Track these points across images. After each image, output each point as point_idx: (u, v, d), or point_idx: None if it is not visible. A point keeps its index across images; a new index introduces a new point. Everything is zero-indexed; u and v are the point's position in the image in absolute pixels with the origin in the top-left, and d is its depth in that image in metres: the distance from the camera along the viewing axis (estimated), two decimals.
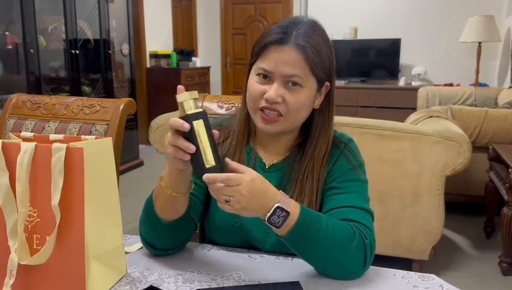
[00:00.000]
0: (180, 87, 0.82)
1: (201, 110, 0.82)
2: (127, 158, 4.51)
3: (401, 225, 2.28)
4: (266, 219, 0.84)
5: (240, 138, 1.06)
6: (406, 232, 2.27)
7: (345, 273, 0.90)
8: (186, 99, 0.81)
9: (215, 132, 0.83)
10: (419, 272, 0.95)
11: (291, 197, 0.94)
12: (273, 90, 0.94)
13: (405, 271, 0.94)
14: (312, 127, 1.03)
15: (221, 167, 0.82)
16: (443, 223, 2.28)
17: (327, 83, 1.00)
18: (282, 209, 0.83)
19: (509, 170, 2.36)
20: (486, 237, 2.95)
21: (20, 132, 1.46)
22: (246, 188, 0.80)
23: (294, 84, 0.95)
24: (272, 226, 0.85)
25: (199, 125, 0.80)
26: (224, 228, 1.05)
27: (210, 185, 0.82)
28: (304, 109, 0.98)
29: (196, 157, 0.81)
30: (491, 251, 2.72)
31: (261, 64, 0.96)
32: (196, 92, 0.82)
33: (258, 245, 1.04)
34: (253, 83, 0.98)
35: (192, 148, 0.79)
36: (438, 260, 2.56)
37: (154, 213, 0.94)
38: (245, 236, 1.04)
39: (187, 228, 0.99)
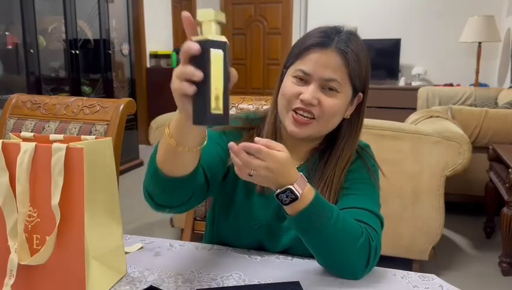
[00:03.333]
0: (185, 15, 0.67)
1: (224, 39, 0.63)
2: (127, 158, 4.51)
3: (401, 225, 2.28)
4: (275, 193, 0.84)
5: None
6: (406, 232, 2.27)
7: (346, 270, 0.90)
8: (208, 19, 0.63)
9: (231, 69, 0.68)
10: (419, 272, 0.96)
11: None
12: (309, 92, 0.93)
13: (405, 271, 0.95)
14: (339, 137, 1.02)
15: (227, 118, 0.65)
16: (443, 223, 2.28)
17: (360, 94, 1.00)
18: (292, 191, 0.82)
19: (509, 170, 2.36)
20: (486, 237, 2.95)
21: (20, 132, 1.46)
22: (271, 167, 0.79)
23: (331, 89, 0.94)
24: (280, 202, 0.85)
25: (217, 58, 0.62)
26: (242, 229, 1.04)
27: (236, 154, 0.78)
28: (338, 114, 0.97)
29: (201, 95, 0.63)
30: (491, 251, 2.72)
31: (300, 66, 0.96)
32: (223, 14, 0.64)
33: (270, 248, 1.04)
34: (289, 83, 0.97)
35: (198, 74, 0.63)
36: (438, 260, 2.56)
37: (154, 162, 0.84)
38: (260, 238, 1.03)
39: (192, 187, 0.89)
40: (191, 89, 0.65)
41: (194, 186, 0.88)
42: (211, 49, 0.62)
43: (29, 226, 0.82)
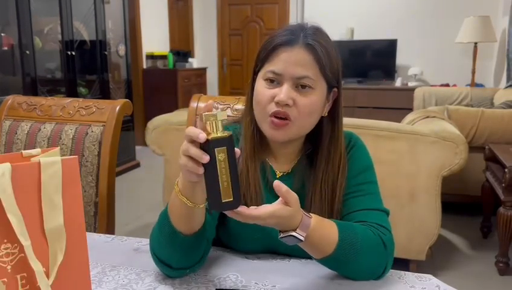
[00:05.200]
0: (210, 103, 0.75)
1: (227, 134, 0.72)
2: (123, 159, 4.50)
3: (398, 225, 2.28)
4: (279, 237, 0.83)
5: (250, 154, 1.00)
6: (402, 232, 2.27)
7: (369, 276, 0.91)
8: (211, 120, 0.72)
9: (237, 150, 0.74)
10: (416, 272, 0.96)
11: (309, 205, 0.96)
12: (283, 93, 0.91)
13: (402, 271, 0.95)
14: (322, 136, 1.00)
15: (238, 201, 0.75)
16: (440, 223, 2.28)
17: (335, 89, 0.99)
18: (295, 237, 0.81)
19: (506, 170, 2.37)
20: (483, 237, 2.95)
21: (16, 133, 1.46)
22: (268, 223, 0.79)
23: (305, 86, 0.92)
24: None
25: (222, 154, 0.72)
26: (240, 240, 1.02)
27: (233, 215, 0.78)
28: (315, 112, 0.96)
29: (212, 189, 0.73)
30: (487, 251, 2.72)
31: (270, 67, 0.94)
32: (225, 113, 0.73)
33: (279, 249, 1.02)
34: (261, 88, 0.95)
35: (205, 158, 0.71)
36: (435, 260, 2.57)
37: (170, 225, 0.86)
38: (268, 242, 1.01)
39: (205, 243, 0.92)
40: (200, 170, 0.73)
41: (208, 234, 0.92)
42: (215, 149, 0.71)
43: (8, 267, 0.68)
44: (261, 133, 1.00)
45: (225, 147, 0.72)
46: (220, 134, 0.72)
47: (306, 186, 1.00)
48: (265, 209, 0.78)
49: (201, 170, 0.73)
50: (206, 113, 0.72)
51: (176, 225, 0.86)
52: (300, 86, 0.93)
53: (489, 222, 2.94)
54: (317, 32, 0.95)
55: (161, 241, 0.89)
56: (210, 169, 0.73)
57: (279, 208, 0.79)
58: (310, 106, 0.93)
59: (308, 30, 0.94)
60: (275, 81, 0.94)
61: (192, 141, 0.73)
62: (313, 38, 0.93)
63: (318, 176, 0.99)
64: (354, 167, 1.01)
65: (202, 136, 0.71)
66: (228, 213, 0.77)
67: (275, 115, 0.93)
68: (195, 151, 0.72)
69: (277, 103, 0.92)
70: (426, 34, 5.67)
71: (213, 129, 0.72)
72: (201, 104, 1.39)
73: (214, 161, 0.72)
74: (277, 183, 0.79)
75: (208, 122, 0.72)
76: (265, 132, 0.97)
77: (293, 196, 0.80)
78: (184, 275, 0.91)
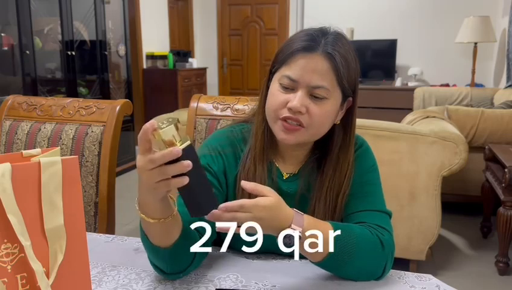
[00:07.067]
0: (152, 123, 0.69)
1: (189, 139, 0.71)
2: (123, 160, 4.49)
3: (398, 225, 2.28)
4: (278, 241, 0.82)
5: (259, 153, 1.00)
6: (402, 232, 2.28)
7: (369, 277, 0.91)
8: (173, 132, 0.69)
9: None
10: (416, 272, 0.96)
11: (312, 211, 0.97)
12: (297, 100, 0.90)
13: (402, 271, 0.95)
14: (332, 143, 0.99)
15: (216, 201, 0.75)
16: (440, 223, 2.28)
17: (350, 98, 0.98)
18: (292, 235, 0.81)
19: (505, 170, 2.37)
20: (482, 237, 2.95)
21: (16, 133, 1.46)
22: (258, 216, 0.78)
23: (319, 96, 0.91)
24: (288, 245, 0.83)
25: (195, 163, 0.70)
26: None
27: (220, 217, 0.77)
28: (328, 121, 0.95)
29: (194, 195, 0.73)
30: (487, 251, 2.72)
31: (286, 72, 0.92)
32: (174, 116, 0.72)
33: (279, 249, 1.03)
34: (276, 91, 0.94)
35: (188, 164, 0.69)
36: (435, 260, 2.57)
37: (147, 241, 0.85)
38: (269, 242, 1.01)
39: (195, 241, 0.89)
40: (185, 180, 0.70)
41: (196, 240, 0.88)
42: (188, 160, 0.69)
43: (8, 267, 0.69)
44: (271, 132, 1.00)
45: (196, 155, 0.71)
46: (184, 141, 0.70)
47: (311, 190, 1.00)
48: (246, 200, 0.78)
49: (186, 180, 0.71)
50: (164, 127, 0.68)
51: (152, 240, 0.84)
52: (315, 94, 0.92)
53: (489, 222, 2.94)
54: (338, 39, 0.93)
55: (147, 251, 0.88)
56: (191, 176, 0.71)
57: (259, 198, 0.79)
58: (323, 115, 0.93)
59: (329, 37, 0.92)
60: (289, 86, 0.93)
61: (163, 164, 0.69)
62: (333, 47, 0.91)
63: (324, 183, 0.98)
64: (359, 168, 1.01)
65: (177, 150, 0.68)
66: (210, 216, 0.76)
67: (286, 120, 0.93)
68: (175, 168, 0.69)
69: (289, 109, 0.92)
70: (426, 34, 5.67)
71: (176, 139, 0.70)
72: (202, 104, 1.39)
73: (194, 166, 0.70)
74: (243, 184, 0.79)
75: (172, 134, 0.69)
76: (277, 135, 0.97)
77: (265, 187, 0.80)
78: (178, 278, 0.91)
